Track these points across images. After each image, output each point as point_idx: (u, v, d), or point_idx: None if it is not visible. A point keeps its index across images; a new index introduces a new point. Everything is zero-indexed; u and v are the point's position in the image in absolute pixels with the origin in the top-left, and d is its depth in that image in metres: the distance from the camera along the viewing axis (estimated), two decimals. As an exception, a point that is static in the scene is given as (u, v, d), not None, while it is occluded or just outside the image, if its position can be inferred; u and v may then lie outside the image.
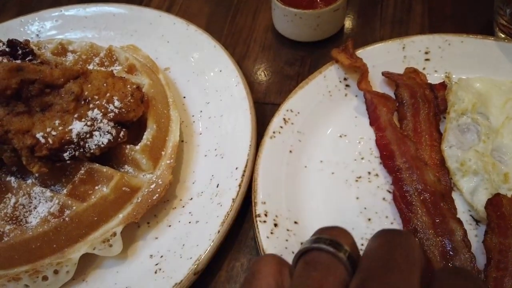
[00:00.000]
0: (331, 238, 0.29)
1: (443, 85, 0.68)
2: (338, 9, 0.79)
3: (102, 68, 0.70)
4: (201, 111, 0.73)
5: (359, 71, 0.68)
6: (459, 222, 0.54)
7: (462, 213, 0.57)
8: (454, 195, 0.59)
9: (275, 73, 0.81)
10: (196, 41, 0.80)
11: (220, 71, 0.75)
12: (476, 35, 0.74)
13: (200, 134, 0.70)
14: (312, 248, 0.29)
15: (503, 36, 0.77)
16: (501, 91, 0.67)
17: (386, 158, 0.62)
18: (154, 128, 0.62)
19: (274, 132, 0.65)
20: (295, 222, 0.58)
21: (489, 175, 0.57)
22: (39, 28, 0.90)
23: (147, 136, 0.61)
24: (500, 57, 0.71)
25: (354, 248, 0.30)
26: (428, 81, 0.70)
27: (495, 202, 0.53)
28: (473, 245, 0.54)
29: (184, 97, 0.76)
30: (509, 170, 0.58)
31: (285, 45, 0.85)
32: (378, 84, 0.72)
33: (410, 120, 0.65)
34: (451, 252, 0.51)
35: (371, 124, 0.68)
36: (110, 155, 0.60)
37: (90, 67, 0.71)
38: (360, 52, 0.74)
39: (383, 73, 0.70)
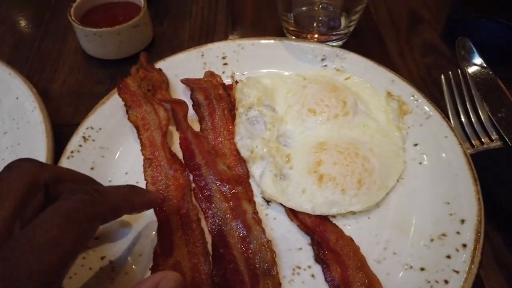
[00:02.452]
0: None
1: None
2: (138, 25, 0.81)
3: None
4: (-3, 143, 0.68)
5: (155, 83, 0.71)
6: (250, 202, 0.58)
7: (256, 197, 0.62)
8: (252, 181, 0.64)
9: (85, 93, 0.80)
10: (-10, 70, 0.75)
11: (17, 98, 0.71)
12: (264, 37, 0.82)
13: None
14: None
15: (292, 37, 0.87)
16: (286, 84, 0.75)
17: (188, 158, 0.65)
18: None
19: (72, 152, 0.63)
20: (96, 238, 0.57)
21: (273, 158, 0.63)
22: None
23: None
24: (286, 55, 0.80)
25: None
26: (225, 82, 0.76)
27: (122, 86, 0.70)
28: (264, 221, 0.59)
29: (-20, 130, 0.70)
30: (291, 152, 0.65)
31: (95, 65, 0.85)
32: (181, 91, 0.76)
33: (208, 120, 0.69)
34: (244, 232, 0.55)
35: (176, 129, 0.70)
36: None
37: None
38: (161, 64, 0.77)
39: (181, 81, 0.74)
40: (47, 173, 0.41)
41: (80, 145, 0.64)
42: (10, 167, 0.39)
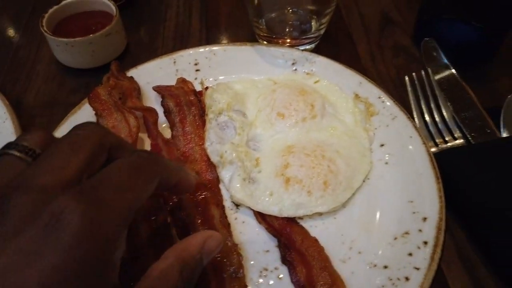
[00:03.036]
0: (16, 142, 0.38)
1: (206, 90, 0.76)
2: (110, 33, 0.82)
3: None
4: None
5: (126, 91, 0.72)
6: (219, 206, 0.59)
7: (225, 201, 0.63)
8: (222, 185, 0.65)
9: (59, 103, 0.81)
10: (-39, 82, 0.76)
11: (-12, 109, 0.72)
12: (236, 43, 0.83)
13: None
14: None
15: (265, 42, 0.88)
16: (257, 88, 0.76)
17: (158, 165, 0.66)
18: None
19: (43, 162, 0.64)
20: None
21: (242, 163, 0.64)
22: None
23: None
24: (258, 60, 0.82)
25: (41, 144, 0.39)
26: (197, 89, 0.77)
27: (93, 95, 0.70)
28: (233, 225, 0.60)
29: (-49, 143, 0.71)
30: (260, 155, 0.66)
31: (69, 75, 0.85)
32: (153, 98, 0.77)
33: (179, 126, 0.70)
34: (212, 238, 0.57)
35: (148, 136, 0.71)
36: None
37: None
38: (133, 71, 0.78)
39: (153, 88, 0.75)
40: (111, 137, 0.42)
41: (51, 155, 0.65)
42: (80, 126, 0.41)
